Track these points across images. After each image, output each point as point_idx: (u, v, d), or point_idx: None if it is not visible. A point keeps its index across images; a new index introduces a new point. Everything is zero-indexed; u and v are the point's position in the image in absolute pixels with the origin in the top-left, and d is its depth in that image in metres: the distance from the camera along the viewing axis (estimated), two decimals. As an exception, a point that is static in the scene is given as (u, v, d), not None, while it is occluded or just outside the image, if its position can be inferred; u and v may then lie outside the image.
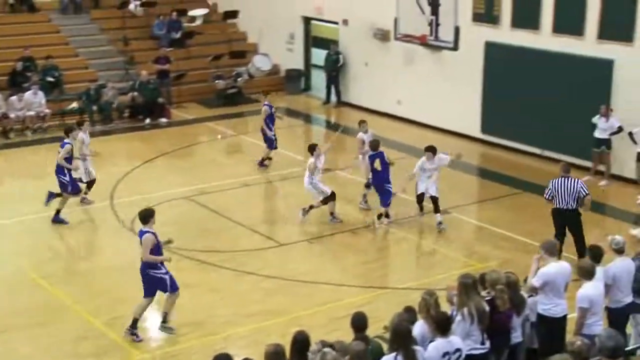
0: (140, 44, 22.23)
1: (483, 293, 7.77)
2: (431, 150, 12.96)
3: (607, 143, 14.73)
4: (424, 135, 17.56)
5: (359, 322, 7.23)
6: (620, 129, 14.45)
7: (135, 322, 9.69)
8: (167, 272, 9.63)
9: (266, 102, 16.01)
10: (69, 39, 21.69)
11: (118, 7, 22.56)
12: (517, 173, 15.67)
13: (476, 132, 17.62)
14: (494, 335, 7.60)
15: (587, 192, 11.22)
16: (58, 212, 13.24)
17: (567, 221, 11.37)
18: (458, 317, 7.44)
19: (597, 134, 14.81)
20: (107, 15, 22.56)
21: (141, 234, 9.43)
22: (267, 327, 10.03)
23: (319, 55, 22.80)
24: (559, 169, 11.64)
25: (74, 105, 19.44)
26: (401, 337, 6.78)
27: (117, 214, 13.82)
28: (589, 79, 15.33)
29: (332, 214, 13.30)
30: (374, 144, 13.11)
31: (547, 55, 16.00)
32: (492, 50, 17.13)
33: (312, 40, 22.70)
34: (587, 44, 15.36)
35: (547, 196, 11.44)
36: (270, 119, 16.00)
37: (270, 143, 16.03)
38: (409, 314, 7.45)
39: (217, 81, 21.36)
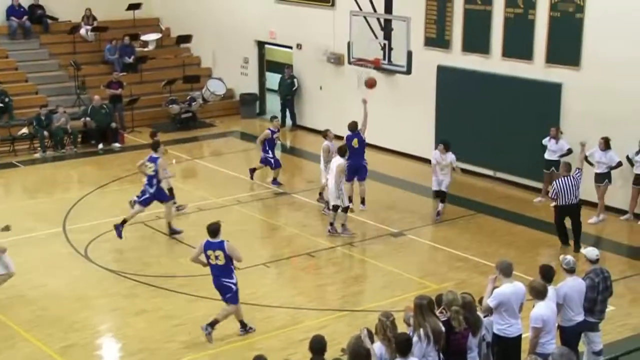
0: (91, 68, 22.08)
1: (439, 314, 7.88)
2: (445, 143, 14.31)
3: (556, 165, 15.07)
4: (378, 157, 17.74)
5: (318, 345, 7.27)
6: (569, 151, 14.81)
7: (214, 322, 10.19)
8: (236, 284, 10.28)
9: (270, 128, 16.26)
10: (18, 64, 21.45)
11: (68, 32, 22.40)
12: (470, 194, 15.93)
13: (430, 154, 17.86)
14: (450, 356, 7.70)
15: (581, 168, 12.78)
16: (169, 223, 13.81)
17: (571, 213, 12.79)
18: (414, 339, 7.53)
19: (547, 155, 15.17)
20: (57, 40, 22.38)
21: (221, 244, 10.14)
22: (225, 353, 9.98)
23: (273, 79, 22.91)
24: (560, 168, 12.94)
25: (24, 131, 19.18)
26: (359, 359, 6.83)
27: (70, 240, 13.64)
28: (539, 102, 15.72)
29: (343, 225, 13.75)
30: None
31: (497, 79, 16.38)
32: (444, 74, 17.45)
33: (266, 64, 22.83)
34: (536, 68, 15.77)
35: (552, 195, 12.68)
36: (270, 143, 16.21)
37: (271, 163, 16.25)
38: (370, 336, 7.51)
39: (171, 106, 21.30)
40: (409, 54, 15.95)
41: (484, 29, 16.56)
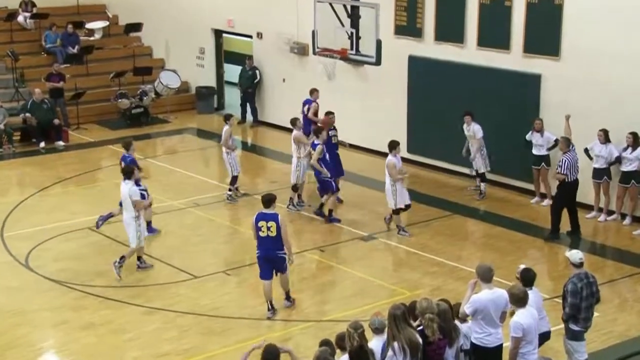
0: (31, 59, 21.80)
1: (415, 323, 7.90)
2: (469, 114, 15.26)
3: (545, 159, 15.21)
4: (347, 155, 17.79)
5: (269, 356, 7.30)
6: (556, 143, 14.93)
7: (287, 294, 11.43)
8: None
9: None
10: (-50, 54, 21.14)
11: (5, 19, 22.06)
12: (446, 194, 16.03)
13: (402, 151, 17.93)
14: (426, 368, 7.73)
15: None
16: (331, 211, 14.43)
17: (573, 192, 13.50)
18: (389, 353, 7.54)
19: (535, 150, 15.20)
20: (-7, 28, 22.08)
21: (275, 216, 10.94)
22: (182, 369, 9.92)
23: (232, 71, 22.84)
24: (561, 143, 13.58)
25: (-43, 127, 18.90)
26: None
27: (9, 249, 13.44)
28: (517, 94, 15.87)
29: (399, 226, 13.97)
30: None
31: (473, 70, 16.50)
32: (416, 65, 17.54)
33: (224, 55, 22.73)
34: (514, 58, 15.93)
35: (564, 171, 13.27)
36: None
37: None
38: (329, 347, 7.53)
39: (120, 100, 21.11)
40: (378, 44, 15.99)
41: (458, 16, 16.68)
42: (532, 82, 15.65)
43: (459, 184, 16.77)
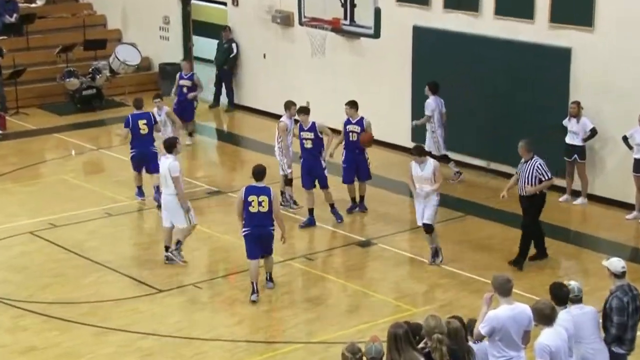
0: (-38, 31, 21.74)
1: (420, 345, 7.91)
2: (429, 84, 15.94)
3: (580, 151, 15.22)
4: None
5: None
6: (594, 132, 14.94)
7: (270, 275, 12.34)
8: None
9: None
10: None
11: None
12: (457, 192, 16.06)
13: (405, 140, 17.96)
14: (434, 399, 7.74)
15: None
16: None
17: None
18: (388, 381, 7.54)
19: (569, 139, 15.24)
20: None
21: (268, 190, 11.70)
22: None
23: (203, 45, 22.79)
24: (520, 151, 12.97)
25: None
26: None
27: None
28: (542, 72, 15.90)
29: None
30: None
31: (490, 43, 16.52)
32: (422, 38, 17.53)
33: (193, 26, 22.69)
34: (538, 29, 15.96)
35: (548, 175, 12.83)
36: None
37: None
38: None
39: (68, 79, 21.03)
40: (377, 12, 16.05)
41: (472, -21, 16.73)
42: (560, 58, 15.68)
43: (473, 180, 16.81)
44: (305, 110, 14.83)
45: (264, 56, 20.57)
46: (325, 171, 14.66)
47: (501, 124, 16.54)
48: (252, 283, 12.02)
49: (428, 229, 13.00)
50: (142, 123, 15.46)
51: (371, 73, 18.51)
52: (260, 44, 20.57)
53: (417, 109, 17.74)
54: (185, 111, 18.31)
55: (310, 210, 14.52)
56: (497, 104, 16.54)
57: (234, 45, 20.96)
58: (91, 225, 14.75)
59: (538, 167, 12.73)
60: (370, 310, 11.94)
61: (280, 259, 13.34)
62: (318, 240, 14.15)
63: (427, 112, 16.14)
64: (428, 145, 15.98)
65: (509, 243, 13.89)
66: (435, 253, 13.16)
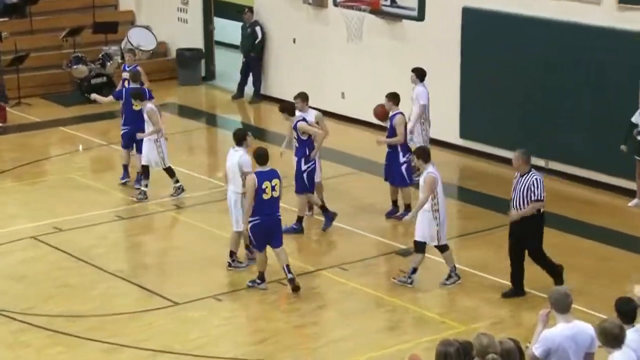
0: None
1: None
2: (415, 71, 16.02)
3: None
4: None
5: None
6: None
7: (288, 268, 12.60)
8: None
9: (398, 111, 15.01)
10: None
11: None
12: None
13: (453, 136, 17.91)
14: None
15: None
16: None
17: None
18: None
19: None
20: None
21: (277, 173, 12.47)
22: None
23: (225, 28, 22.87)
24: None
25: None
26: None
27: None
28: (610, 60, 15.80)
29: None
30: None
31: (549, 26, 16.43)
32: (473, 20, 17.48)
33: (215, 7, 22.76)
34: (605, 11, 15.84)
35: (540, 195, 12.31)
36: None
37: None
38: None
39: (75, 66, 21.18)
40: (422, -8, 16.03)
41: (530, -46, 16.65)
42: (630, 43, 15.56)
43: (530, 180, 16.72)
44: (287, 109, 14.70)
45: (294, 41, 20.59)
46: (305, 175, 14.40)
47: (561, 118, 16.44)
48: (262, 272, 12.64)
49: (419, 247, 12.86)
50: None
51: (414, 60, 18.40)
52: (289, 27, 20.59)
53: (467, 101, 17.70)
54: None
55: (299, 218, 14.54)
56: (557, 96, 16.42)
57: (257, 28, 20.99)
58: (100, 230, 14.82)
59: (533, 182, 12.22)
60: (412, 328, 11.91)
61: (310, 269, 13.36)
62: (353, 248, 14.13)
63: (422, 101, 16.00)
64: (417, 140, 15.92)
65: (570, 253, 13.81)
66: (449, 275, 12.99)
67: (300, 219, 14.51)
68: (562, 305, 8.30)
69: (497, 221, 14.76)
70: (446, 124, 17.87)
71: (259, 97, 21.29)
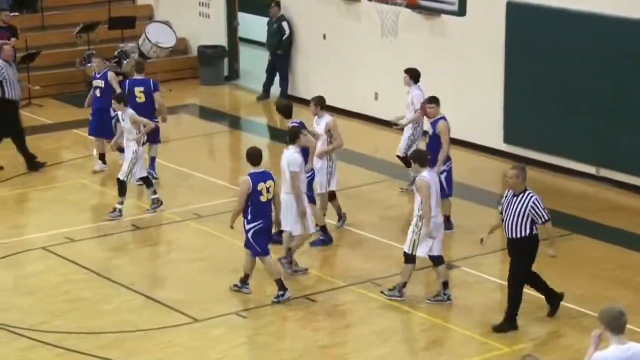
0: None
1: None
2: (409, 72, 16.18)
3: None
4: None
5: None
6: None
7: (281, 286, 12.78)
8: None
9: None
10: None
11: None
12: (560, 204, 15.86)
13: (496, 141, 17.82)
14: None
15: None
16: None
17: None
18: None
19: None
20: None
21: (270, 174, 12.74)
22: None
23: (250, 24, 22.89)
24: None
25: None
26: None
27: None
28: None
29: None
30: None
31: (602, 22, 16.35)
32: (518, 15, 17.45)
33: (239, 1, 22.81)
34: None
35: (544, 216, 11.91)
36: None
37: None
38: None
39: (89, 65, 21.23)
40: (464, -16, 15.93)
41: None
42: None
43: (581, 190, 16.64)
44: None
45: (324, 37, 20.63)
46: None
47: (614, 120, 16.34)
48: (281, 279, 12.77)
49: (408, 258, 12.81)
50: (138, 90, 16.18)
51: (454, 58, 18.41)
52: (318, 22, 20.61)
53: (512, 103, 17.62)
54: (104, 125, 17.42)
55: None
56: (610, 97, 16.31)
57: (284, 24, 21.03)
58: (114, 240, 14.87)
59: (534, 204, 11.78)
60: (451, 348, 11.86)
61: (341, 284, 13.32)
62: (387, 261, 14.06)
63: (418, 105, 15.84)
64: (402, 144, 16.09)
65: (626, 269, 13.71)
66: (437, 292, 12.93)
67: (324, 229, 14.50)
68: (616, 326, 8.22)
69: (541, 233, 14.66)
70: (488, 127, 17.81)
71: (286, 97, 21.28)
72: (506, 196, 12.08)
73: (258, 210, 12.57)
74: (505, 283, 12.78)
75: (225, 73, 22.82)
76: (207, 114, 20.90)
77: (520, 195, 11.91)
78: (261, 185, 12.51)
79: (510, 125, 17.76)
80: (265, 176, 12.62)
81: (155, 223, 15.45)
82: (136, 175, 15.41)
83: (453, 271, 13.73)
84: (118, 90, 16.72)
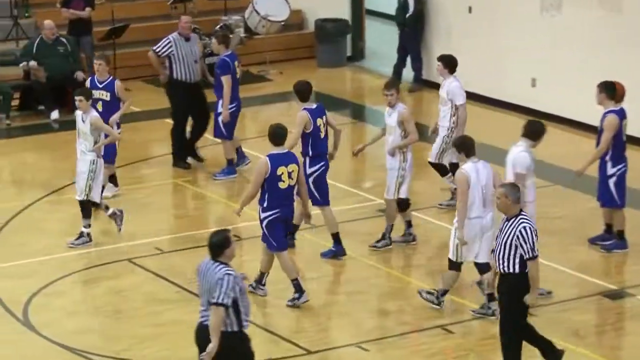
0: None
1: None
2: (443, 59, 15.86)
3: None
4: (581, 142, 17.42)
5: None
6: None
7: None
8: None
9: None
10: None
11: None
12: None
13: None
14: None
15: None
16: None
17: None
18: None
19: None
20: None
21: (294, 156, 13.14)
22: None
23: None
24: None
25: None
26: None
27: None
28: None
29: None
30: None
31: None
32: None
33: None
34: None
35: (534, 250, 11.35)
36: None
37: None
38: None
39: (211, 41, 21.41)
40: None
41: None
42: None
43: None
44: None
45: (469, 10, 20.60)
46: (310, 180, 14.43)
47: None
48: (298, 277, 13.12)
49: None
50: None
51: (631, 38, 18.07)
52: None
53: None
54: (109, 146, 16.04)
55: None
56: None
57: (413, -5, 20.98)
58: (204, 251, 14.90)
59: (521, 232, 11.12)
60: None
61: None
62: (548, 285, 13.79)
63: (461, 100, 15.62)
64: (435, 149, 16.10)
65: None
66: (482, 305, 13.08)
67: (335, 237, 14.46)
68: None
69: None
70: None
71: (420, 82, 21.17)
72: (503, 220, 11.46)
73: (275, 198, 12.81)
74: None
75: (348, 53, 22.91)
76: (325, 101, 20.71)
77: (512, 220, 11.24)
78: (282, 170, 12.74)
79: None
80: (286, 158, 12.87)
81: (259, 233, 15.43)
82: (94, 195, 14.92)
83: (628, 301, 13.51)
84: (126, 101, 16.44)
